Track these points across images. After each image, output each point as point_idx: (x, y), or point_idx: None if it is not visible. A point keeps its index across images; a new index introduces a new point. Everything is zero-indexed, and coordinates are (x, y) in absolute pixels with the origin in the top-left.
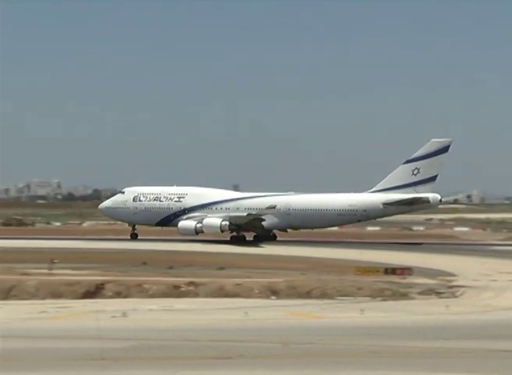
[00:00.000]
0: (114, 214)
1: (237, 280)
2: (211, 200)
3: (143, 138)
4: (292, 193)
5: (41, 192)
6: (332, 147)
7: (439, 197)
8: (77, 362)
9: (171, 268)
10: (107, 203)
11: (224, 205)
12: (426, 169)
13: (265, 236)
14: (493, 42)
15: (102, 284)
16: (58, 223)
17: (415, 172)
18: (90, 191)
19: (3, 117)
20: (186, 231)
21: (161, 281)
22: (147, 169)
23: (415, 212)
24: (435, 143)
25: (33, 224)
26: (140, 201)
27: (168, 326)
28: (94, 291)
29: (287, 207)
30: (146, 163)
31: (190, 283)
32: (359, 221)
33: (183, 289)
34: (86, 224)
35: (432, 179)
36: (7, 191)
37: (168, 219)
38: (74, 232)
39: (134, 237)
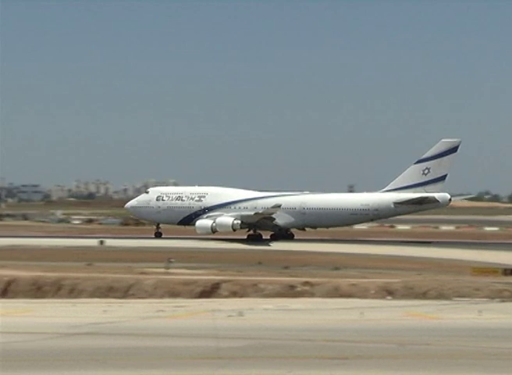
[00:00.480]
0: (139, 213)
1: (353, 281)
2: (229, 199)
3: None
4: (307, 192)
5: None
6: (344, 146)
7: (449, 196)
8: (194, 361)
9: (286, 268)
10: (132, 202)
11: (242, 205)
12: (436, 169)
13: (282, 235)
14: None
15: (218, 284)
16: None
17: (426, 172)
18: None
19: (139, 123)
20: (202, 230)
21: (277, 281)
22: None
23: (425, 211)
24: (444, 143)
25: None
26: (163, 200)
27: (284, 325)
28: (210, 291)
29: (302, 206)
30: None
31: (306, 283)
32: (372, 220)
33: (298, 289)
34: None
35: (442, 178)
36: (125, 190)
37: (190, 218)
38: (189, 232)
39: (158, 235)
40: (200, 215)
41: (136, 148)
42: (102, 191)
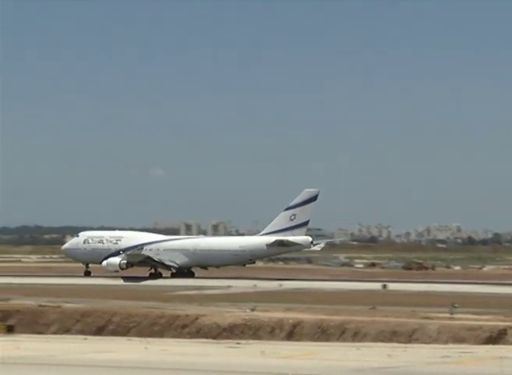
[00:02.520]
0: (71, 255)
1: None
2: (139, 242)
3: None
4: (202, 236)
5: (441, 236)
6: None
7: (311, 239)
8: None
9: None
10: (66, 245)
11: (149, 247)
12: (300, 215)
13: (182, 273)
14: None
15: (505, 330)
16: (457, 267)
17: (292, 218)
18: (490, 235)
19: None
20: (108, 268)
21: None
22: None
23: (294, 252)
24: (307, 193)
25: (433, 268)
26: (88, 243)
27: None
28: (497, 337)
29: (195, 248)
30: None
31: None
32: (250, 260)
33: None
34: (486, 268)
35: (305, 224)
36: (407, 234)
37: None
38: (474, 276)
39: (88, 274)
40: (116, 256)
41: (418, 191)
42: (384, 234)
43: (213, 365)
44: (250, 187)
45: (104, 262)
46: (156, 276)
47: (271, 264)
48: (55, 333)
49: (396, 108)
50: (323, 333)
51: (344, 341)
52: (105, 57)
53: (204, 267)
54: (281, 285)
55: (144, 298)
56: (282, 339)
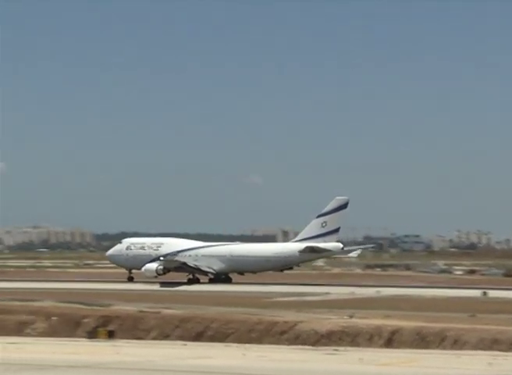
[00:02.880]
0: (114, 260)
1: None
2: (178, 248)
3: None
4: (238, 243)
5: None
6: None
7: (341, 245)
8: None
9: None
10: (110, 251)
11: (187, 253)
12: (331, 222)
13: (219, 279)
14: None
15: None
16: None
17: (324, 225)
18: None
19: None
20: (147, 273)
21: None
22: None
23: (326, 257)
24: (337, 200)
25: None
26: (130, 249)
27: None
28: None
29: (231, 254)
30: None
31: None
32: (284, 266)
33: None
34: None
35: (336, 230)
36: (508, 241)
37: None
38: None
39: (131, 279)
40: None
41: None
42: (484, 241)
43: (311, 371)
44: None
45: (143, 268)
46: (194, 281)
47: (369, 271)
48: (154, 338)
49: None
50: (422, 340)
51: (444, 348)
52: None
53: (241, 273)
54: (379, 292)
55: (242, 304)
56: (381, 346)
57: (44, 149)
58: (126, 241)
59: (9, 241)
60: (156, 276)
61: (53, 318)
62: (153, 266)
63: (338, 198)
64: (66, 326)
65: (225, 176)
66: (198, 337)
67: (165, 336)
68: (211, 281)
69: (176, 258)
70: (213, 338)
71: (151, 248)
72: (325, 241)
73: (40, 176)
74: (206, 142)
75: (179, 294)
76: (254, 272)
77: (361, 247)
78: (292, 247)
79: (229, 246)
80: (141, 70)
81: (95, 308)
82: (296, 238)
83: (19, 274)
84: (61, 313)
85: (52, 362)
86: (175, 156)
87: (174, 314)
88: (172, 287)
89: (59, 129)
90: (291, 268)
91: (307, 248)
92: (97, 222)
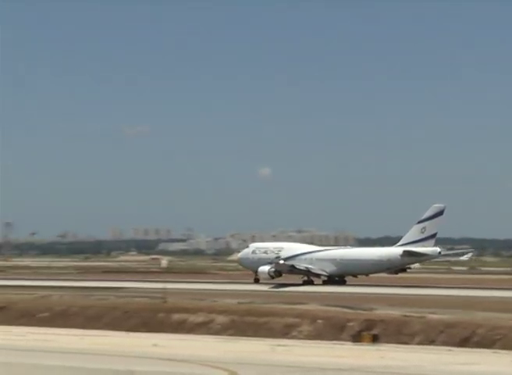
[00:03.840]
0: (242, 263)
1: None
2: (296, 252)
3: None
4: (349, 247)
5: None
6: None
7: (439, 250)
8: None
9: None
10: (240, 254)
11: (303, 257)
12: (430, 228)
13: (333, 281)
14: None
15: None
16: None
17: (423, 230)
18: None
19: None
20: (261, 275)
21: None
22: None
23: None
24: (435, 207)
25: None
26: (255, 253)
27: None
28: None
29: (341, 257)
30: None
31: None
32: (388, 269)
33: None
34: None
35: (434, 236)
36: None
37: None
38: None
39: (256, 281)
40: None
41: None
42: None
43: None
44: None
45: (258, 270)
46: (308, 283)
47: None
48: (419, 343)
49: None
50: None
51: None
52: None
53: (354, 275)
54: None
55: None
56: None
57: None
58: (253, 246)
59: None
60: (271, 278)
61: (318, 321)
62: (265, 268)
63: (435, 205)
64: (331, 329)
65: None
66: (464, 342)
67: (430, 341)
68: (325, 283)
69: (292, 261)
70: (479, 344)
71: (273, 252)
72: (424, 246)
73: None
74: None
75: (442, 299)
76: (360, 274)
77: (468, 250)
78: (394, 251)
79: (340, 250)
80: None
81: (359, 311)
82: (399, 243)
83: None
84: (326, 316)
85: (319, 364)
86: None
87: (440, 319)
88: (285, 287)
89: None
90: (404, 270)
91: (405, 252)
92: (359, 226)
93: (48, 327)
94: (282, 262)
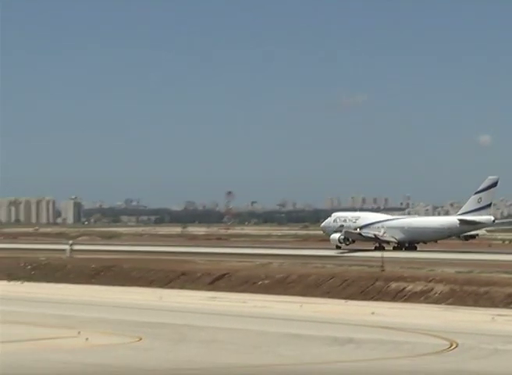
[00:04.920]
0: (325, 232)
1: None
2: (369, 221)
3: None
4: (416, 216)
5: None
6: None
7: (493, 218)
8: None
9: None
10: (323, 223)
11: (376, 225)
12: (485, 198)
13: (403, 247)
14: None
15: None
16: None
17: (479, 200)
18: None
19: None
20: (332, 242)
21: None
22: None
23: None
24: (489, 179)
25: None
26: (336, 222)
27: None
28: None
29: (408, 226)
30: None
31: None
32: (448, 236)
33: None
34: None
35: (489, 205)
36: None
37: None
38: None
39: (338, 248)
40: None
41: None
42: None
43: None
44: None
45: (330, 238)
46: (379, 249)
47: None
48: None
49: None
50: None
51: None
52: None
53: (424, 242)
54: None
55: None
56: None
57: None
58: (335, 215)
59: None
60: (341, 245)
61: None
62: (336, 236)
63: (490, 177)
64: None
65: None
66: None
67: None
68: (395, 249)
69: (366, 229)
70: None
71: (351, 220)
72: (480, 215)
73: None
74: None
75: None
76: (424, 242)
77: None
78: (453, 220)
79: (407, 219)
80: None
81: None
82: (459, 212)
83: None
84: None
85: None
86: None
87: None
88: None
89: None
90: (473, 237)
91: (461, 220)
92: None
93: (267, 294)
94: (352, 230)
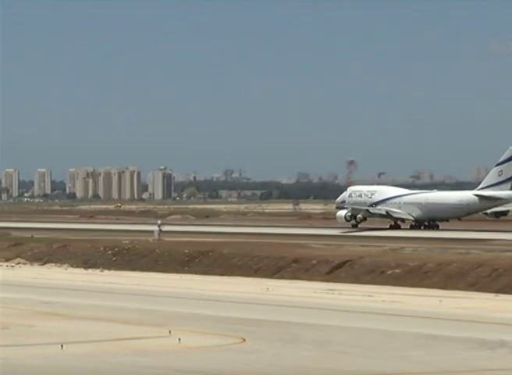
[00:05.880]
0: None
1: None
2: (386, 196)
3: None
4: (435, 190)
5: None
6: None
7: None
8: None
9: None
10: (338, 198)
11: (392, 201)
12: (507, 170)
13: (422, 225)
14: None
15: None
16: None
17: (500, 173)
18: None
19: None
20: (339, 219)
21: None
22: None
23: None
24: (511, 150)
25: None
26: (351, 197)
27: None
28: None
29: (425, 201)
30: None
31: None
32: (468, 214)
33: None
34: None
35: (510, 179)
36: None
37: None
38: None
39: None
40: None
41: None
42: None
43: None
44: None
45: (336, 214)
46: (395, 227)
47: None
48: None
49: None
50: None
51: None
52: None
53: (446, 220)
54: None
55: None
56: None
57: None
58: (350, 189)
59: None
60: (345, 223)
61: None
62: (342, 213)
63: (511, 147)
64: None
65: None
66: None
67: None
68: (412, 228)
69: (382, 205)
70: None
71: (367, 195)
72: (501, 189)
73: None
74: None
75: None
76: (441, 219)
77: None
78: (472, 195)
79: (425, 194)
80: None
81: None
82: (479, 186)
83: None
84: None
85: None
86: None
87: None
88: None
89: None
90: (504, 214)
91: (478, 196)
92: None
93: (398, 286)
94: (359, 207)
